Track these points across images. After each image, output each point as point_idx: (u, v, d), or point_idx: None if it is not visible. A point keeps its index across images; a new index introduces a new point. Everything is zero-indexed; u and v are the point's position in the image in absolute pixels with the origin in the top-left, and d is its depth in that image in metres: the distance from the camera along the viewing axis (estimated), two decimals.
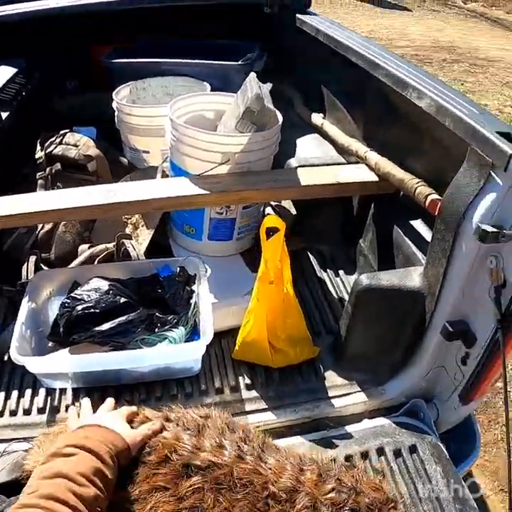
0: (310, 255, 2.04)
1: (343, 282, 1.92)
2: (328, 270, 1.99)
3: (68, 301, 1.55)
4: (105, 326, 1.51)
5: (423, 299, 1.48)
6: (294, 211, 1.96)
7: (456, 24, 9.54)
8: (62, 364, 1.50)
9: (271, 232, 1.48)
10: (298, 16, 2.29)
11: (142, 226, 1.92)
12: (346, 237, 2.01)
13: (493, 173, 1.27)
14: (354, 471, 0.98)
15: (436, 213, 1.42)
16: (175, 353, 1.52)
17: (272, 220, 1.48)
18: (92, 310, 1.53)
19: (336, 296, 1.89)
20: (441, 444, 1.50)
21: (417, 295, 1.48)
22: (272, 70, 2.32)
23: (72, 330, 1.52)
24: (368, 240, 1.88)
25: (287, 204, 2.01)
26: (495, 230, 1.24)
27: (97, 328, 1.51)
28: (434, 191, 1.51)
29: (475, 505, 1.37)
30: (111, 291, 1.56)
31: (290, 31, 2.33)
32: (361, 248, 1.92)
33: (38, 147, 2.13)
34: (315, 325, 1.78)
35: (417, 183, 1.58)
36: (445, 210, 1.38)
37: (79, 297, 1.55)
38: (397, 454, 1.45)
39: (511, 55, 7.49)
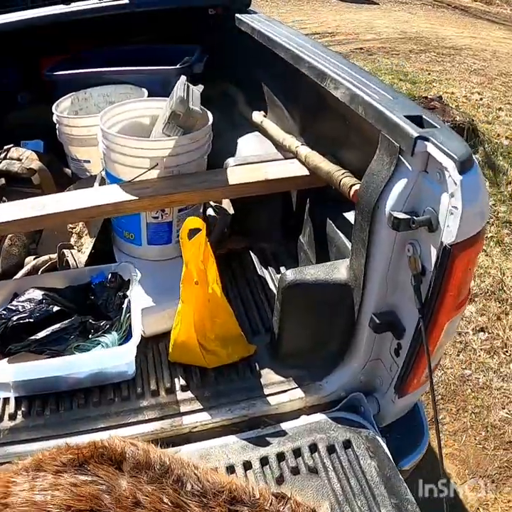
0: (252, 254, 1.95)
1: None
2: (269, 268, 1.90)
3: (4, 312, 1.51)
4: (40, 335, 1.47)
5: (351, 292, 1.40)
6: (231, 210, 1.88)
7: (423, 15, 9.38)
8: (1, 374, 1.44)
9: (193, 233, 1.42)
10: (237, 15, 2.20)
11: (86, 235, 1.85)
12: (287, 233, 1.92)
13: (402, 158, 1.19)
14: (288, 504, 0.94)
15: None
16: (105, 357, 1.45)
17: (192, 221, 1.41)
18: (27, 320, 1.49)
19: (275, 294, 1.80)
20: (379, 438, 1.41)
21: (343, 288, 1.40)
22: (215, 71, 2.24)
23: (8, 340, 1.47)
24: (307, 235, 1.79)
25: (226, 204, 1.94)
26: (406, 216, 1.16)
27: (32, 337, 1.47)
28: (358, 182, 1.43)
29: (413, 499, 1.28)
30: (44, 301, 1.51)
31: (231, 32, 2.23)
32: (301, 244, 1.83)
33: None
34: (254, 323, 1.69)
35: (342, 174, 1.50)
36: (361, 200, 1.30)
37: (14, 308, 1.52)
38: (331, 449, 1.37)
39: (478, 43, 7.35)
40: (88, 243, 1.82)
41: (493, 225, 3.34)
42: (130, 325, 1.51)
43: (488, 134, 4.40)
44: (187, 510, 0.93)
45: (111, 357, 1.46)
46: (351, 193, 1.44)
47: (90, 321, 1.52)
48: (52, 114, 2.10)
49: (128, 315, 1.53)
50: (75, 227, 1.88)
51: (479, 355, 2.55)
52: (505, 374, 2.46)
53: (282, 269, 1.86)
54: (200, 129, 1.67)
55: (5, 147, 2.07)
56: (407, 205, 1.20)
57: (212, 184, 1.63)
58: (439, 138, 1.13)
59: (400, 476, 1.33)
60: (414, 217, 1.15)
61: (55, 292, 1.57)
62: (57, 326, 1.48)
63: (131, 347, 1.41)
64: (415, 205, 1.21)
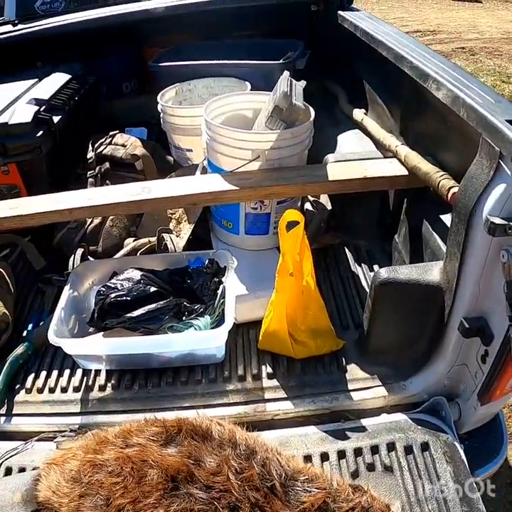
0: (346, 250, 2.11)
1: None
2: (363, 265, 2.06)
3: (103, 289, 1.74)
4: (136, 313, 1.67)
5: (442, 294, 1.52)
6: (329, 206, 2.05)
7: None
8: (95, 347, 1.68)
9: (291, 225, 1.60)
10: (339, 12, 2.37)
11: (185, 221, 2.09)
12: (383, 232, 2.06)
13: (502, 163, 1.28)
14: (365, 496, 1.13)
15: None
16: (198, 339, 1.65)
17: (291, 214, 1.59)
18: (125, 298, 1.70)
19: (367, 291, 1.95)
20: (457, 444, 1.51)
21: (435, 290, 1.52)
22: (316, 67, 2.42)
23: (105, 316, 1.70)
24: (402, 235, 1.92)
25: (324, 199, 2.11)
26: (504, 222, 1.27)
27: (128, 315, 1.68)
28: (456, 184, 1.55)
29: (484, 510, 1.37)
30: (142, 281, 1.73)
31: (333, 28, 2.40)
32: (396, 243, 1.95)
33: (89, 148, 2.37)
34: (344, 319, 1.85)
35: (441, 176, 1.62)
36: (459, 203, 1.41)
37: (112, 286, 1.74)
38: (408, 450, 1.49)
39: None
40: (186, 229, 2.06)
41: None
42: (223, 310, 1.70)
43: None
44: (271, 491, 1.13)
45: (203, 340, 1.66)
46: (449, 195, 1.56)
47: (185, 303, 1.72)
48: (156, 103, 2.39)
49: (222, 301, 1.72)
50: (174, 214, 2.13)
51: None
52: None
53: (376, 267, 2.00)
54: (302, 124, 1.84)
55: (111, 133, 2.37)
56: (504, 210, 1.28)
57: (312, 179, 1.80)
58: None
59: (475, 485, 1.44)
60: (511, 223, 1.28)
61: (152, 273, 1.79)
62: (152, 305, 1.69)
63: (223, 332, 1.59)
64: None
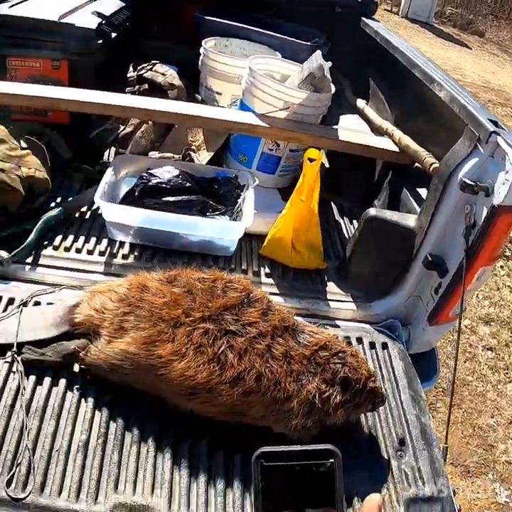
0: (333, 205, 2.87)
1: (354, 227, 2.75)
2: (344, 218, 2.79)
3: (146, 174, 2.33)
4: (171, 199, 2.27)
5: (414, 235, 2.25)
6: (327, 164, 2.80)
7: (510, 71, 11.02)
8: (132, 216, 2.23)
9: (311, 160, 2.33)
10: (363, 19, 3.20)
11: (203, 149, 2.76)
12: (364, 197, 2.78)
13: (478, 145, 2.04)
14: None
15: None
16: (220, 227, 2.27)
17: (313, 152, 2.30)
18: (164, 185, 2.29)
19: (347, 237, 2.68)
20: (406, 352, 2.28)
21: (410, 231, 2.25)
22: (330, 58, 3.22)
23: (145, 196, 2.29)
24: (382, 200, 2.68)
25: (324, 159, 2.86)
26: (473, 183, 2.06)
27: (164, 199, 2.29)
28: (437, 161, 2.36)
29: (424, 397, 2.02)
30: (180, 176, 2.33)
31: (353, 30, 3.22)
32: (375, 206, 2.74)
33: (130, 69, 2.98)
34: (326, 250, 2.52)
35: (427, 154, 2.39)
36: (441, 169, 2.20)
37: (154, 174, 2.33)
38: (372, 346, 2.15)
39: None
40: (205, 156, 2.73)
41: None
42: (241, 217, 2.36)
43: None
44: (286, 330, 1.80)
45: (224, 228, 2.28)
46: (431, 168, 2.34)
47: (211, 202, 2.34)
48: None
49: (239, 208, 2.39)
50: (194, 141, 2.79)
51: (482, 368, 3.44)
52: (501, 391, 3.34)
53: (354, 221, 2.75)
54: (326, 93, 2.62)
55: (152, 61, 3.01)
56: (474, 176, 2.01)
57: (327, 133, 2.55)
58: (506, 135, 1.97)
59: (418, 379, 2.08)
60: (478, 183, 2.06)
61: (187, 174, 2.42)
62: (185, 196, 2.29)
63: (242, 226, 2.22)
64: (479, 178, 2.01)
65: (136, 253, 2.31)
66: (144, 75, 2.89)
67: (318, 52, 2.65)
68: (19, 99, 2.40)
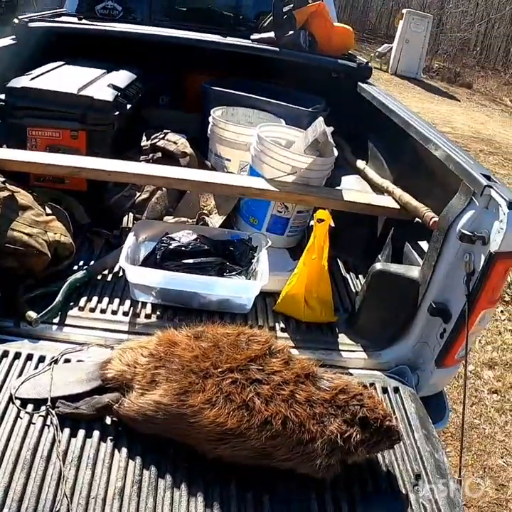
0: (338, 261, 3.11)
1: (360, 282, 2.99)
2: (350, 273, 3.04)
3: (165, 238, 2.58)
4: (190, 261, 2.52)
5: (418, 286, 2.48)
6: (332, 224, 3.08)
7: (499, 120, 11.78)
8: (155, 277, 2.47)
9: (320, 221, 2.61)
10: (359, 83, 3.54)
11: (215, 213, 3.05)
12: (369, 252, 3.03)
13: (473, 198, 2.29)
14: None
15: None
16: (237, 286, 2.51)
17: (322, 213, 2.58)
18: (183, 248, 2.55)
19: (354, 291, 2.92)
20: (416, 394, 2.45)
21: (414, 282, 2.48)
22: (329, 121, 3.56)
23: (165, 259, 2.54)
24: (386, 254, 2.93)
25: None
26: (470, 233, 2.24)
27: (183, 261, 2.54)
28: (437, 216, 2.63)
29: (437, 436, 2.20)
30: (198, 239, 2.59)
31: (350, 94, 3.57)
32: (379, 260, 2.99)
33: (144, 138, 3.29)
34: (336, 303, 2.74)
35: (426, 209, 2.63)
36: (440, 222, 2.46)
37: (174, 237, 2.59)
38: (384, 390, 2.33)
39: None
40: (216, 220, 3.01)
41: None
42: (256, 276, 2.60)
43: None
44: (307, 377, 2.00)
45: (241, 287, 2.51)
46: (431, 222, 2.60)
47: (227, 263, 2.59)
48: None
49: (254, 269, 2.64)
50: (206, 206, 3.08)
51: (489, 411, 3.67)
52: (509, 432, 3.55)
53: (360, 276, 3.00)
54: (329, 157, 2.92)
55: (164, 130, 3.31)
56: (471, 227, 2.26)
57: (332, 195, 2.84)
58: (499, 188, 2.22)
59: (429, 419, 2.27)
60: (475, 233, 2.25)
61: (204, 237, 2.67)
62: (203, 258, 2.54)
63: (258, 284, 2.46)
64: (476, 228, 2.26)
65: (158, 313, 2.54)
66: (157, 143, 3.21)
67: (321, 119, 2.96)
68: (45, 168, 2.70)
